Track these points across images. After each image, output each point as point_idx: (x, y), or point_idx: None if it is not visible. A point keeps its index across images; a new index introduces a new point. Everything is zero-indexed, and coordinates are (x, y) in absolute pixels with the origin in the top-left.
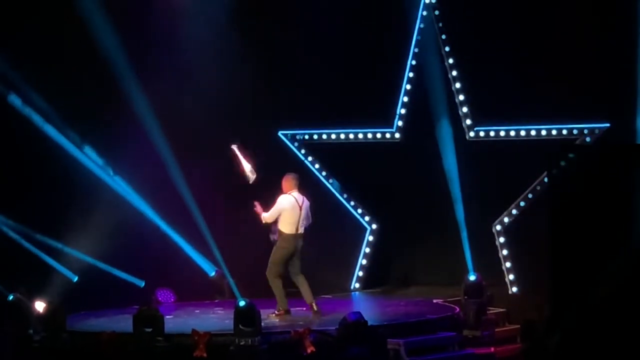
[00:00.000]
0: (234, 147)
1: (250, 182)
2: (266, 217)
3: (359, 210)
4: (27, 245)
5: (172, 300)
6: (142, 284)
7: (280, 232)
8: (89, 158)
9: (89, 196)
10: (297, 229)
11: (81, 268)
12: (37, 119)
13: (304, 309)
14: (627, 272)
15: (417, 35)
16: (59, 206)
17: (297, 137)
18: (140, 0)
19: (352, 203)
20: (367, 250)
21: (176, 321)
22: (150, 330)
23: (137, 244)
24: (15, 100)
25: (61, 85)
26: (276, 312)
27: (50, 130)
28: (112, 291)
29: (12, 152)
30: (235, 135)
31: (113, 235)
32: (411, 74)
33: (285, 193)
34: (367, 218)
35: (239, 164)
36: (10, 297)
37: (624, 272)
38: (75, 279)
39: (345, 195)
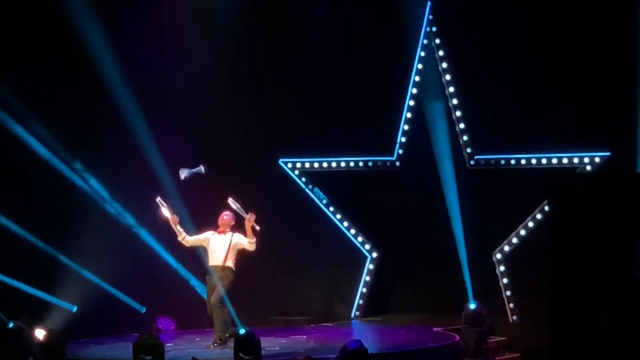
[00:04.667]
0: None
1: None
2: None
3: (359, 239)
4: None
5: (173, 328)
6: (143, 309)
7: (233, 268)
8: (91, 187)
9: (91, 224)
10: None
11: (82, 296)
12: (40, 149)
13: (304, 337)
14: (627, 301)
15: (417, 64)
16: (62, 234)
17: (298, 165)
18: (142, 32)
19: (353, 231)
20: (368, 278)
21: (176, 349)
22: (150, 358)
23: (137, 272)
24: (20, 129)
25: (67, 117)
26: (216, 342)
27: (54, 160)
28: (113, 319)
29: (17, 179)
30: (237, 163)
31: (114, 263)
32: (412, 103)
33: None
34: (367, 246)
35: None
36: (11, 325)
37: (624, 301)
38: (75, 309)
39: (345, 224)
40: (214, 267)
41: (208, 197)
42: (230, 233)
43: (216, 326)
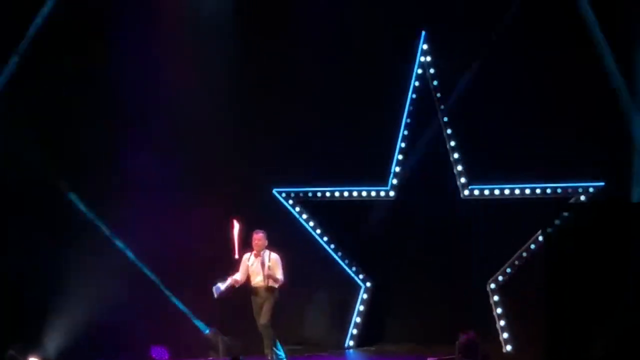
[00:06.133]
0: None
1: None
2: (282, 278)
3: (353, 268)
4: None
5: (166, 357)
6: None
7: (276, 286)
8: (87, 214)
9: (85, 253)
10: None
11: (75, 325)
12: (40, 176)
13: None
14: (623, 330)
15: (412, 94)
16: (54, 261)
17: (292, 194)
18: (135, 57)
19: (346, 261)
20: (361, 308)
21: None
22: None
23: (132, 300)
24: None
25: (69, 146)
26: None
27: (51, 187)
28: (107, 347)
29: (13, 206)
30: (231, 193)
31: (108, 292)
32: (406, 132)
33: (267, 249)
34: (361, 276)
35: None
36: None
37: (620, 330)
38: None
39: (339, 253)
40: (258, 288)
41: (202, 225)
42: (267, 252)
43: (266, 346)
